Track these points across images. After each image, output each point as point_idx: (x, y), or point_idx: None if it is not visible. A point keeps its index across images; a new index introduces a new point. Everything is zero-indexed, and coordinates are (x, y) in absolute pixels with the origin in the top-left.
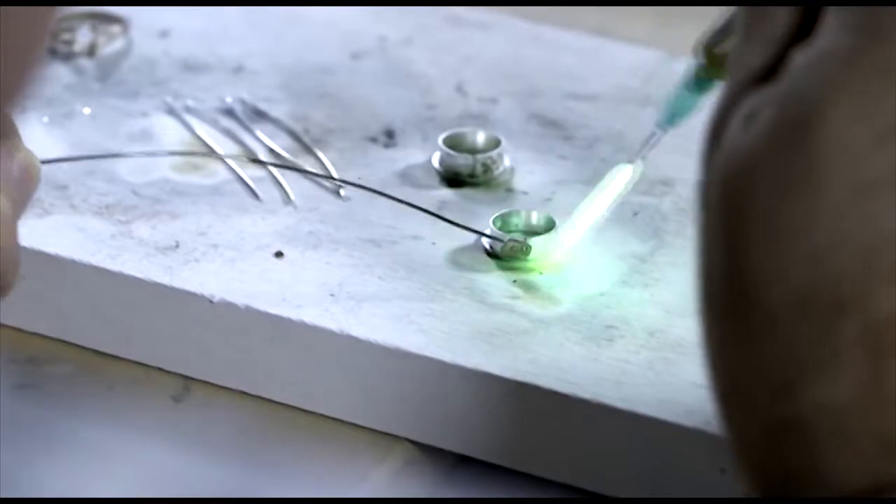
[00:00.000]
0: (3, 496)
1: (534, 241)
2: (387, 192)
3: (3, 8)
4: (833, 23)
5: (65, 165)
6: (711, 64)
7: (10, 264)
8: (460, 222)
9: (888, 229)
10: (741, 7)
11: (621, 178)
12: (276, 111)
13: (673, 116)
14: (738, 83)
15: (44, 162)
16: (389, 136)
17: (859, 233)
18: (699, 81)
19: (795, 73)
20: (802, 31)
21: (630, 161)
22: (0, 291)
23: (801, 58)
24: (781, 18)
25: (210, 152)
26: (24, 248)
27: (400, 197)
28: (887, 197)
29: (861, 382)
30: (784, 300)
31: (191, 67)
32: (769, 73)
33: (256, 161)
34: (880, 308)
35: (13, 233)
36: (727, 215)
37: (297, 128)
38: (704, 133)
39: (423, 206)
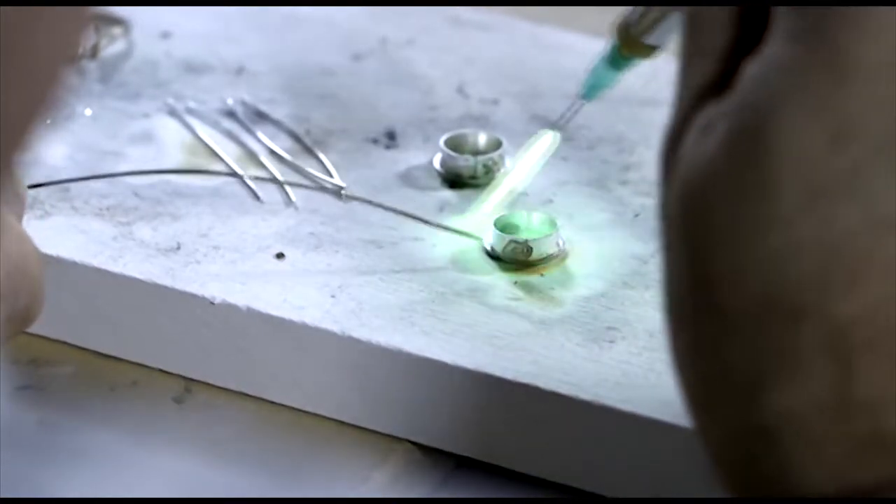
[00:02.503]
0: (4, 496)
1: (535, 243)
2: (388, 193)
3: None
4: (780, 31)
5: (66, 167)
6: (626, 44)
7: (41, 293)
8: (461, 224)
9: (844, 233)
10: (683, 21)
11: (543, 143)
12: (278, 112)
13: (592, 89)
14: (690, 97)
15: (60, 182)
16: (390, 138)
17: (815, 237)
18: (617, 59)
19: (747, 85)
20: (750, 42)
21: (553, 128)
22: (28, 321)
23: (751, 68)
24: (723, 29)
25: (209, 167)
26: None
27: (401, 198)
28: (841, 201)
29: (825, 387)
30: (745, 306)
31: (192, 69)
32: (720, 85)
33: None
34: (841, 312)
35: (41, 264)
36: (687, 225)
37: (299, 129)
38: (661, 146)
39: (425, 208)
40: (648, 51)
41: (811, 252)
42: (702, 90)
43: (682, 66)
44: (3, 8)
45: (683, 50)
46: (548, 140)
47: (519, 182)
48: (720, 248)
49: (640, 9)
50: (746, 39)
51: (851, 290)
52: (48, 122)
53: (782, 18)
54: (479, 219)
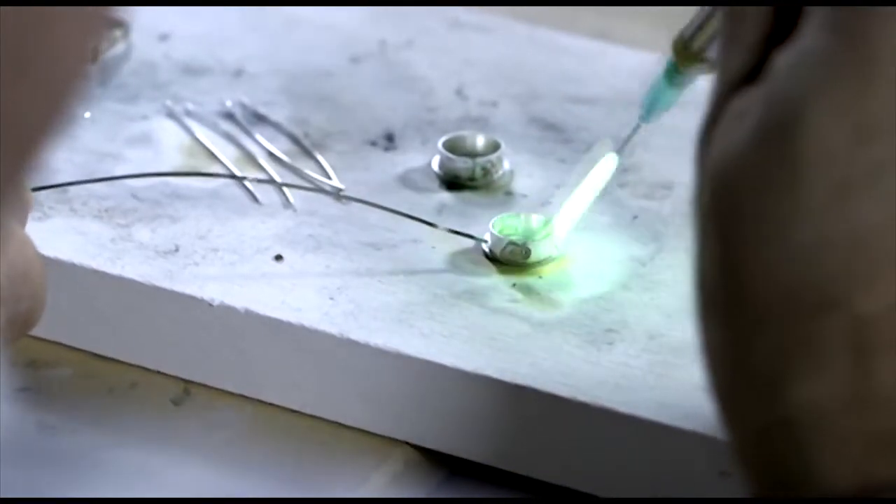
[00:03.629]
0: (3, 497)
1: (533, 245)
2: (387, 195)
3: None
4: (813, 23)
5: (65, 168)
6: (685, 59)
7: (43, 298)
8: (460, 226)
9: (870, 227)
10: (721, 10)
11: (606, 167)
12: (276, 115)
13: (652, 110)
14: (725, 86)
15: (58, 185)
16: (389, 140)
17: (842, 231)
18: (676, 76)
19: (778, 75)
20: (783, 32)
21: (616, 151)
22: (29, 326)
23: (782, 59)
24: (759, 20)
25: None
26: None
27: (400, 200)
28: (868, 195)
29: (847, 382)
30: (771, 299)
31: (191, 71)
32: (753, 74)
33: (259, 179)
34: (865, 306)
35: (44, 269)
36: (717, 216)
37: (297, 131)
38: (696, 136)
39: (423, 210)
40: (708, 64)
41: (837, 246)
42: (735, 80)
43: (719, 56)
44: (20, 9)
45: (721, 41)
46: (609, 163)
47: (583, 206)
48: (747, 240)
49: (696, 22)
50: (779, 30)
51: (875, 286)
52: (60, 129)
53: (815, 11)
54: (548, 248)
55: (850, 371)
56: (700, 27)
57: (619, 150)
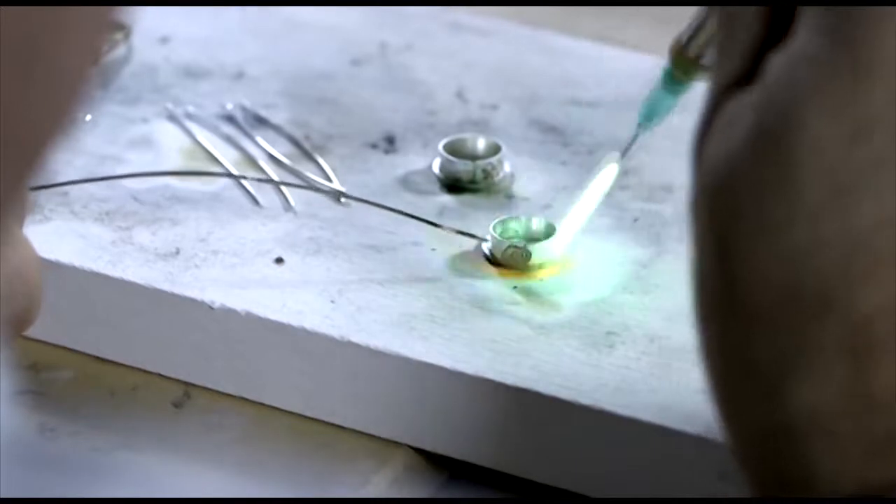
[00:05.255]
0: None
1: (534, 248)
2: (387, 198)
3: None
4: (805, 25)
5: (65, 171)
6: (682, 65)
7: (39, 297)
8: (460, 228)
9: (865, 228)
10: (715, 13)
11: (608, 175)
12: (277, 117)
13: (651, 116)
14: (719, 89)
15: (58, 185)
16: (390, 143)
17: (838, 233)
18: (673, 82)
19: (771, 78)
20: (776, 35)
21: (616, 160)
22: (26, 324)
23: (776, 62)
24: (752, 23)
25: (210, 171)
26: None
27: (401, 203)
28: (863, 195)
29: (845, 383)
30: (768, 302)
31: (191, 74)
32: (747, 77)
33: (264, 181)
34: (861, 307)
35: (40, 268)
36: (713, 219)
37: (298, 134)
38: (692, 139)
39: (424, 213)
40: (705, 69)
41: (834, 247)
42: (730, 83)
43: (714, 59)
44: (26, 10)
45: (715, 45)
46: (611, 170)
47: (586, 214)
48: (744, 242)
49: (692, 26)
50: (773, 33)
51: (872, 285)
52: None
53: (808, 14)
54: (552, 254)
55: (849, 373)
56: (696, 31)
57: (620, 158)
